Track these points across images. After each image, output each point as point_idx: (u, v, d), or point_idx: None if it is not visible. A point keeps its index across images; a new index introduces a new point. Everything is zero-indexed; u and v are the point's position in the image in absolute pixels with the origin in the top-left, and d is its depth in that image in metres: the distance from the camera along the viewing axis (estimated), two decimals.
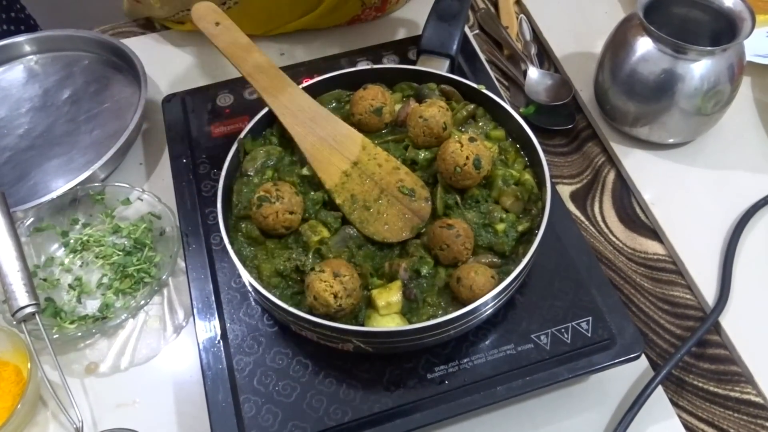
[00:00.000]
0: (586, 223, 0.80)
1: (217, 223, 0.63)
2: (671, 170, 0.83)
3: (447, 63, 0.76)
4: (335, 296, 0.57)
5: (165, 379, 0.69)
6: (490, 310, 0.60)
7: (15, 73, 0.95)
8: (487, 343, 0.62)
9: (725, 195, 0.80)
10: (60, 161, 0.85)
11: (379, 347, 0.59)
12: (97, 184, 0.80)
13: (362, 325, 0.59)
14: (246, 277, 0.59)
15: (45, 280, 0.75)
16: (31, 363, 0.65)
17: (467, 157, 0.63)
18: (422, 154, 0.67)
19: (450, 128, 0.68)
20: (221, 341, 0.63)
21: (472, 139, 0.64)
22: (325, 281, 0.57)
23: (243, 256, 0.63)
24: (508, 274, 0.58)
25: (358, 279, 0.59)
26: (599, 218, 0.81)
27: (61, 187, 0.78)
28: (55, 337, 0.69)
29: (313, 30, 1.00)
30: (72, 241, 0.78)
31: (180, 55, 0.98)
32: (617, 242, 0.78)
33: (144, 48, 0.95)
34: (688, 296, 0.73)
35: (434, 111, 0.67)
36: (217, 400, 0.60)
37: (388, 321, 0.59)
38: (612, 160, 0.86)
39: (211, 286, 0.67)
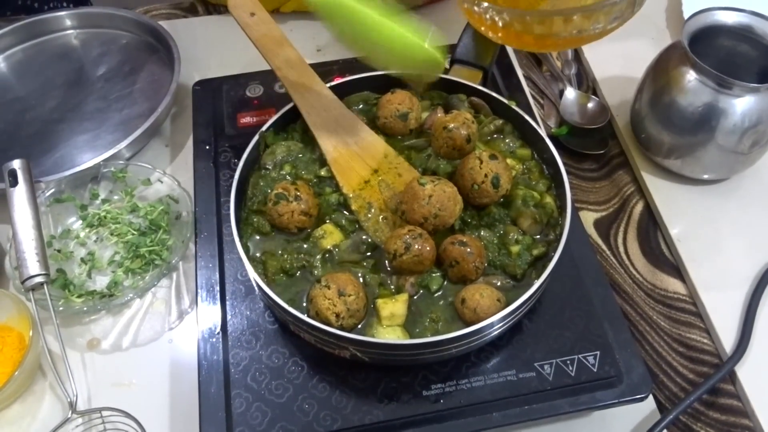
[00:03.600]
0: (608, 252, 0.78)
1: (230, 213, 0.63)
2: (702, 207, 0.80)
3: (480, 75, 0.75)
4: (337, 316, 0.56)
5: (163, 364, 0.69)
6: (495, 333, 0.58)
7: (54, 46, 0.96)
8: (488, 365, 0.60)
9: (756, 239, 0.76)
10: (88, 137, 0.86)
11: (376, 358, 0.58)
12: (120, 162, 0.81)
13: (363, 333, 0.58)
14: (251, 272, 0.59)
15: (59, 251, 0.76)
16: (33, 332, 0.66)
17: (486, 175, 0.61)
18: (443, 166, 0.66)
19: (474, 141, 0.67)
20: (221, 332, 0.63)
21: (493, 157, 0.63)
22: (329, 299, 0.56)
23: (250, 250, 0.63)
24: (518, 297, 0.56)
25: (364, 298, 0.58)
26: (621, 249, 0.78)
27: (86, 162, 0.79)
28: (61, 309, 0.69)
29: None
30: (90, 215, 0.78)
31: (216, 41, 0.98)
32: (637, 276, 0.76)
33: (181, 32, 0.96)
34: (705, 340, 0.71)
35: (459, 123, 0.65)
36: (209, 392, 0.59)
37: (389, 332, 0.58)
38: (641, 191, 0.83)
39: (217, 276, 0.67)
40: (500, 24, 0.68)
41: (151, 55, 0.94)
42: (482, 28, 0.73)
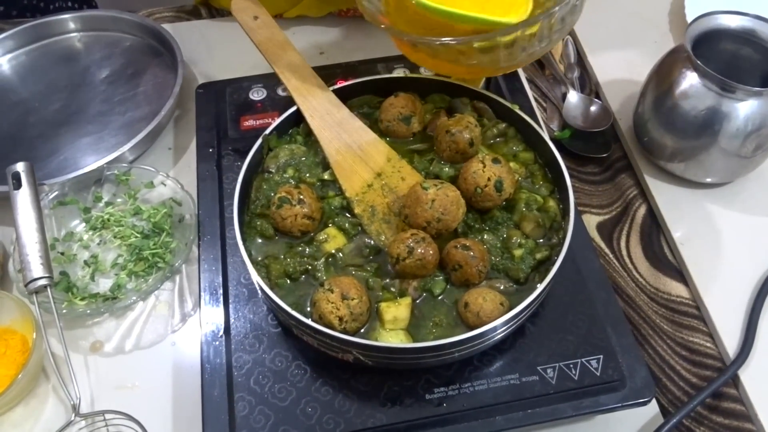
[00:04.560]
0: (611, 256, 0.78)
1: (233, 216, 0.63)
2: (705, 211, 0.79)
3: (482, 79, 0.75)
4: (340, 319, 0.56)
5: (166, 367, 0.69)
6: (498, 337, 0.58)
7: (58, 49, 0.96)
8: (491, 369, 0.60)
9: (759, 243, 0.76)
10: (91, 139, 0.86)
11: (379, 362, 0.58)
12: (124, 165, 0.81)
13: (366, 336, 0.58)
14: (254, 275, 0.59)
15: (62, 253, 0.76)
16: (36, 334, 0.66)
17: (489, 179, 0.61)
18: (446, 170, 0.66)
19: (477, 145, 0.67)
20: (224, 336, 0.63)
21: (496, 161, 0.63)
22: (332, 302, 0.56)
23: (253, 254, 0.63)
24: (521, 301, 0.56)
25: (367, 302, 0.58)
26: (624, 253, 0.78)
27: (89, 164, 0.79)
28: (64, 311, 0.69)
29: (354, 31, 1.00)
30: (93, 218, 0.78)
31: (219, 44, 0.98)
32: (640, 279, 0.76)
33: (185, 35, 0.96)
34: (708, 344, 0.70)
35: (461, 126, 0.65)
36: (212, 395, 0.60)
37: (392, 336, 0.58)
38: (644, 194, 0.83)
39: (220, 279, 0.67)
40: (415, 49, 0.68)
41: (154, 58, 0.94)
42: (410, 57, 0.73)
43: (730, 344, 0.69)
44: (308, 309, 0.59)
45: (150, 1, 1.10)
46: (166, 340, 0.71)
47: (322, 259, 0.62)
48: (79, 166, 0.80)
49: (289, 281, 0.61)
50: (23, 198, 0.72)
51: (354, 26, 1.01)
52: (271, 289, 0.58)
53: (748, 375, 0.67)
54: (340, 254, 0.63)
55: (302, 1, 0.98)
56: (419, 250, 0.58)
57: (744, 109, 0.72)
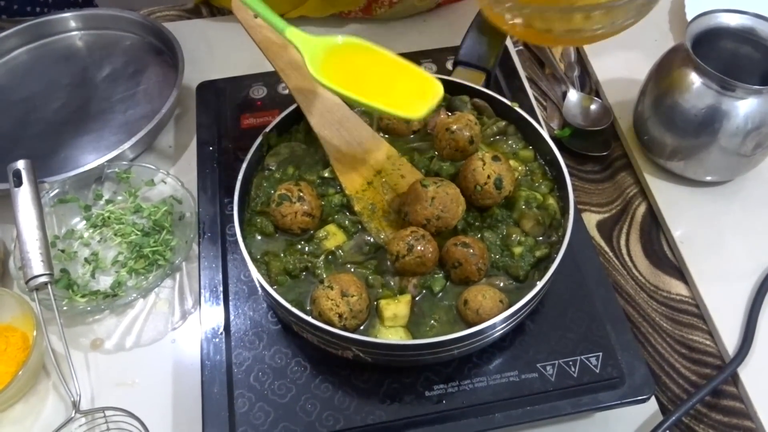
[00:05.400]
0: (610, 254, 0.78)
1: (233, 214, 0.63)
2: (705, 209, 0.80)
3: (483, 77, 0.75)
4: (340, 316, 0.56)
5: (166, 364, 0.69)
6: (497, 334, 0.59)
7: (59, 47, 0.96)
8: (490, 366, 0.61)
9: (759, 241, 0.76)
10: (92, 138, 0.86)
11: (379, 359, 0.58)
12: (124, 163, 0.81)
13: (366, 333, 0.58)
14: (254, 272, 0.59)
15: (63, 251, 0.76)
16: (37, 331, 0.66)
17: (489, 176, 0.61)
18: (446, 167, 0.66)
19: (477, 143, 0.67)
20: (224, 333, 0.63)
21: (495, 158, 0.63)
22: (331, 299, 0.56)
23: (254, 251, 0.63)
24: (520, 299, 0.57)
25: (367, 299, 0.58)
26: (624, 251, 0.78)
27: (90, 162, 0.79)
28: (64, 309, 0.70)
29: (355, 31, 1.00)
30: (93, 215, 0.78)
31: (220, 43, 0.99)
32: (640, 278, 0.76)
33: (186, 33, 0.96)
34: (707, 342, 0.71)
35: (461, 124, 0.65)
36: (212, 392, 0.60)
37: (392, 333, 0.58)
38: (644, 193, 0.83)
39: (220, 276, 0.67)
40: (520, 20, 0.66)
41: (155, 56, 0.94)
42: (504, 27, 0.71)
43: (730, 342, 0.69)
44: (308, 306, 0.60)
45: (151, 0, 1.10)
46: (167, 337, 0.71)
47: (322, 257, 0.62)
48: (80, 164, 0.80)
49: (289, 278, 0.61)
50: (24, 196, 0.72)
51: (355, 27, 1.01)
52: (271, 286, 0.58)
53: (747, 373, 0.67)
54: (340, 251, 0.63)
55: (305, 3, 0.98)
56: (419, 248, 0.58)
57: (744, 107, 0.72)
